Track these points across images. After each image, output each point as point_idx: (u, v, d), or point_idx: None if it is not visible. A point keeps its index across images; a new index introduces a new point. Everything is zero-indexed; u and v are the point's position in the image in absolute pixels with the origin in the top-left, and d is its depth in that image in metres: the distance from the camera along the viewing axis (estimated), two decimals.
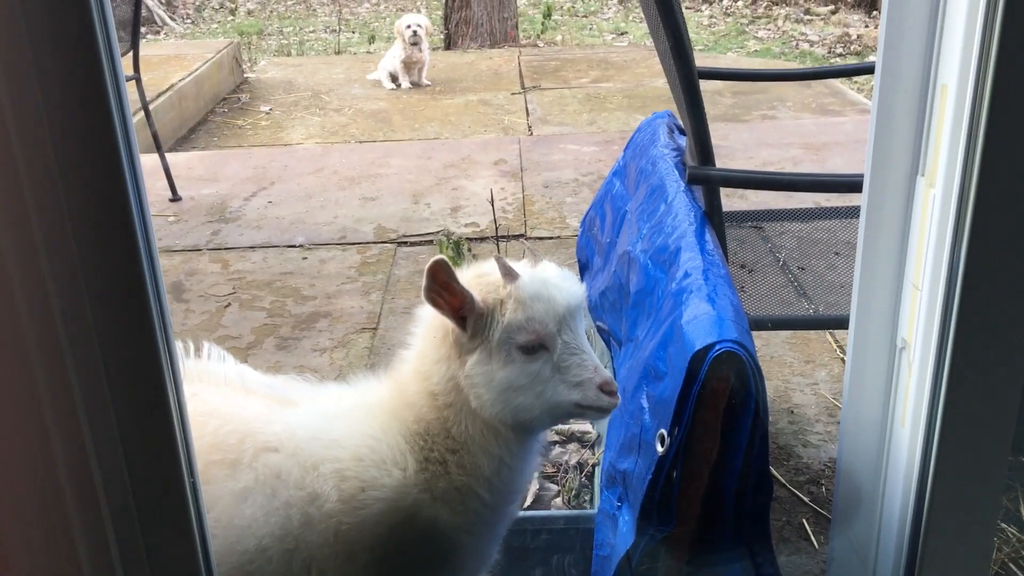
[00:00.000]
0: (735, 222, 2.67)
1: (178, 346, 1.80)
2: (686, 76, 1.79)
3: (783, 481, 2.76)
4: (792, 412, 3.10)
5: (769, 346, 3.48)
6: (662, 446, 1.61)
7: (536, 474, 2.47)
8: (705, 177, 1.93)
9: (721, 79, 2.83)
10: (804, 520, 2.61)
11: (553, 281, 1.59)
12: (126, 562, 1.39)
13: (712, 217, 1.96)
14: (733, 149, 5.71)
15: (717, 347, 1.53)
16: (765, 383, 1.58)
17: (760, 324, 2.23)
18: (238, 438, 1.64)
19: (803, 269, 2.40)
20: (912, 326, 1.53)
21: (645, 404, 1.74)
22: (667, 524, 1.65)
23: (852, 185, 1.66)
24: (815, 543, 2.54)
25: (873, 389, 1.65)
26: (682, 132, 2.64)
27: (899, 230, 1.53)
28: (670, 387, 1.62)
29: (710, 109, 6.99)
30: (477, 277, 1.58)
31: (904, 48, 1.43)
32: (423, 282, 1.49)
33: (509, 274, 1.55)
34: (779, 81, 6.50)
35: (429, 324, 1.63)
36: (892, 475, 1.65)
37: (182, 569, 1.40)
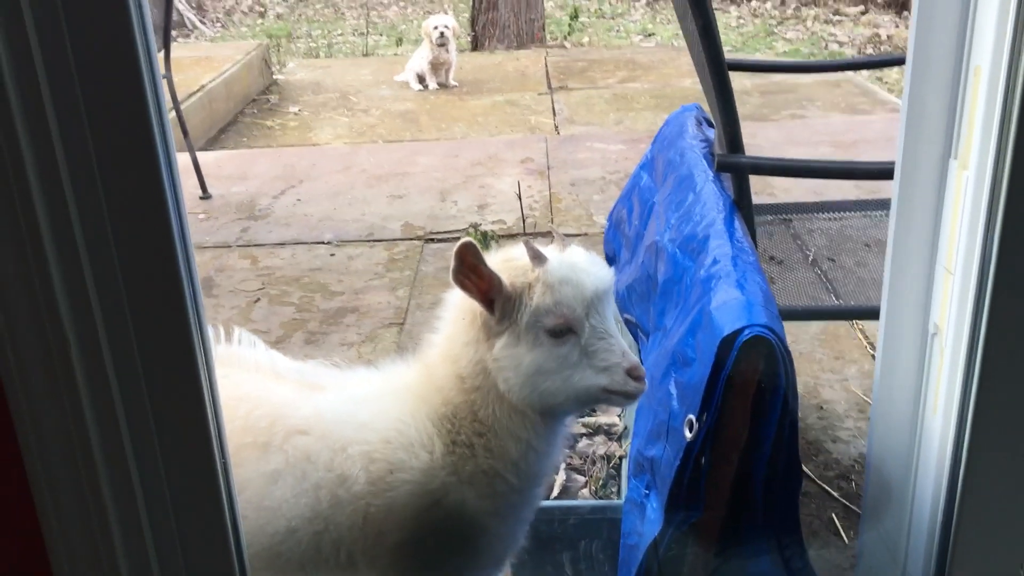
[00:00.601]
0: (764, 215, 2.65)
1: (210, 331, 1.82)
2: (715, 61, 1.79)
3: (812, 476, 2.74)
4: (822, 408, 3.08)
5: (799, 342, 3.45)
6: (690, 432, 1.61)
7: (563, 465, 2.47)
8: (734, 165, 1.93)
9: (749, 71, 2.82)
10: (833, 515, 2.59)
11: (581, 265, 1.59)
12: (159, 543, 1.41)
13: (741, 206, 1.95)
14: (761, 148, 5.67)
15: (746, 332, 1.52)
16: (795, 368, 1.57)
17: (790, 315, 2.21)
18: (269, 421, 1.66)
19: (833, 261, 2.39)
20: (944, 311, 1.52)
21: (673, 391, 1.74)
22: (695, 511, 1.64)
23: (884, 171, 1.65)
24: (845, 538, 2.52)
25: (905, 376, 1.63)
26: (710, 124, 2.63)
27: (931, 214, 1.52)
28: (698, 373, 1.62)
29: (738, 109, 6.96)
30: (505, 261, 1.59)
31: (937, 29, 1.42)
32: (451, 264, 1.50)
33: (537, 257, 1.56)
34: (806, 73, 6.48)
35: (457, 308, 1.63)
36: (924, 464, 1.63)
37: (213, 549, 1.42)
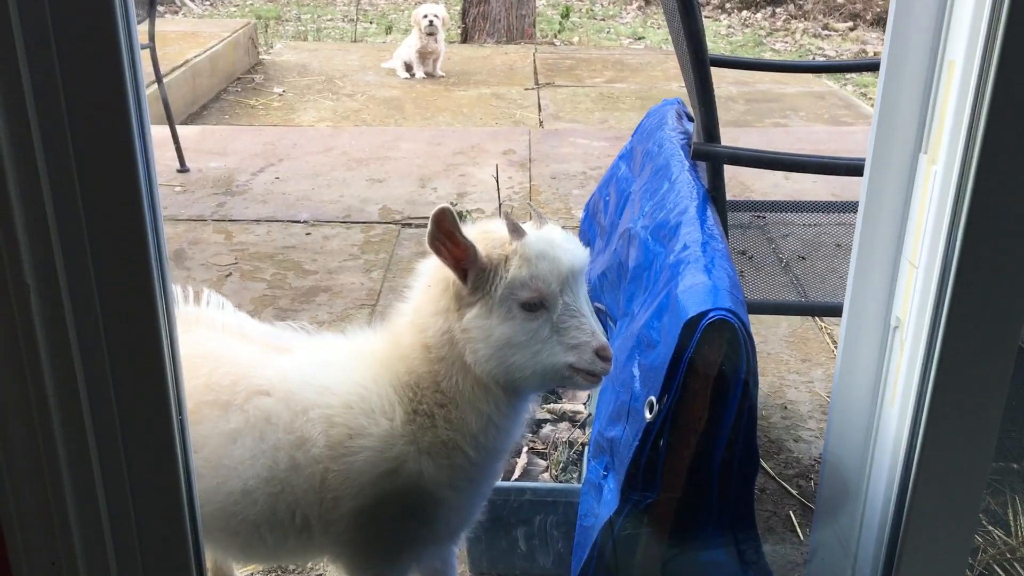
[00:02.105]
0: (739, 211, 2.67)
1: (177, 291, 1.81)
2: (695, 45, 1.80)
3: (772, 474, 2.76)
4: (786, 408, 3.10)
5: (767, 343, 3.48)
6: (651, 413, 1.62)
7: (525, 449, 2.48)
8: (709, 153, 1.94)
9: (730, 67, 2.84)
10: (791, 512, 2.61)
11: (559, 242, 1.59)
12: (109, 490, 1.40)
13: (715, 196, 1.96)
14: None
15: (710, 315, 1.53)
16: (756, 354, 1.59)
17: (757, 308, 2.23)
18: (231, 380, 1.65)
19: (804, 259, 2.41)
20: (907, 304, 1.53)
21: (636, 373, 1.75)
22: (652, 491, 1.65)
23: (856, 168, 1.67)
24: (800, 535, 2.54)
25: (865, 368, 1.65)
26: (691, 119, 2.65)
27: (899, 207, 1.54)
28: (662, 355, 1.63)
29: (722, 115, 6.98)
30: (483, 232, 1.58)
31: (913, 23, 1.44)
32: (428, 228, 1.50)
33: (516, 231, 1.56)
34: (783, 72, 6.56)
35: (430, 277, 1.63)
36: (879, 455, 1.65)
37: (165, 500, 1.41)
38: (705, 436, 1.60)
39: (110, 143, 1.20)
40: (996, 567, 2.41)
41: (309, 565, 2.36)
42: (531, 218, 1.72)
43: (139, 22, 4.99)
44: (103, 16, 1.14)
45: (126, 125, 1.19)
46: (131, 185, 1.22)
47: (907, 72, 1.46)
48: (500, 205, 3.97)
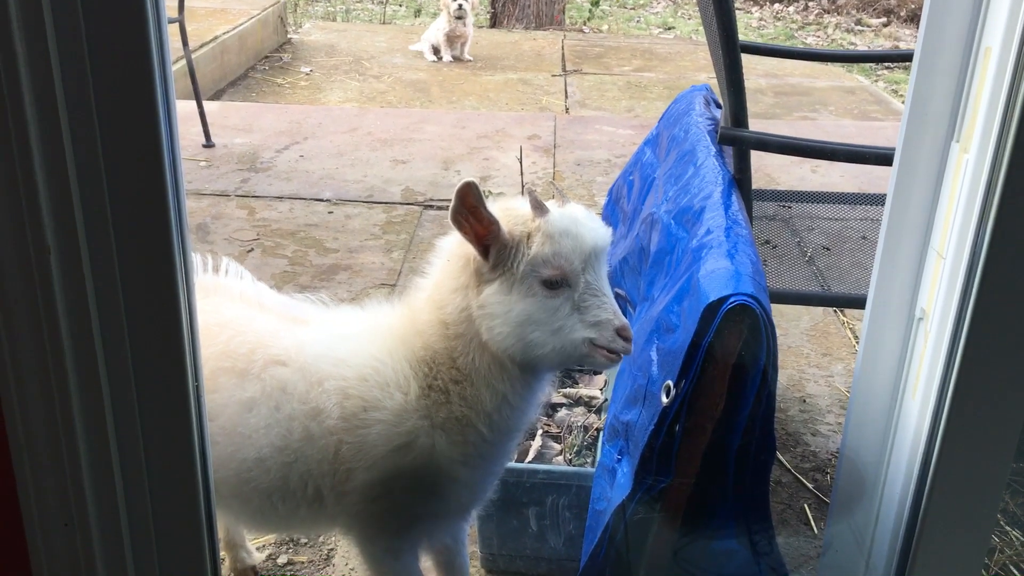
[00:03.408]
0: (765, 200, 2.64)
1: (197, 259, 1.82)
2: (726, 31, 1.77)
3: (788, 467, 2.74)
4: (804, 401, 3.07)
5: (788, 335, 3.45)
6: (667, 397, 1.60)
7: (540, 431, 2.47)
8: (737, 138, 1.91)
9: (760, 54, 2.80)
10: (806, 505, 2.59)
11: (582, 220, 1.57)
12: (123, 452, 1.40)
13: (740, 181, 1.93)
14: None
15: (731, 300, 1.51)
16: (777, 341, 1.57)
17: (778, 298, 2.20)
18: (248, 349, 1.65)
19: (828, 250, 2.38)
20: (932, 296, 1.51)
21: (654, 356, 1.73)
22: (665, 475, 1.64)
23: (885, 157, 1.64)
24: (815, 529, 2.52)
25: (887, 359, 1.62)
26: (718, 105, 2.62)
27: (929, 196, 1.51)
28: (681, 339, 1.61)
29: (751, 107, 6.93)
30: (505, 209, 1.57)
31: (951, 9, 1.41)
32: (451, 203, 1.49)
33: (539, 208, 1.54)
34: (813, 60, 6.50)
35: (450, 253, 1.63)
36: (898, 448, 1.63)
37: (179, 463, 1.41)
38: (722, 422, 1.59)
39: (134, 107, 1.20)
40: (1013, 568, 2.38)
41: (320, 539, 2.37)
42: (554, 198, 1.71)
43: None
44: None
45: (151, 90, 1.19)
46: (153, 149, 1.22)
47: (942, 58, 1.43)
48: (523, 185, 3.95)
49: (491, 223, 1.51)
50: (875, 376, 1.65)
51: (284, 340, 1.67)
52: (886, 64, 9.37)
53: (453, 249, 1.63)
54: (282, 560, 2.30)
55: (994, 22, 1.34)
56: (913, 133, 1.50)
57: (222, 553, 2.15)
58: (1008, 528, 2.50)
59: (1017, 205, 1.32)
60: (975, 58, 1.40)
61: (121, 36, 1.16)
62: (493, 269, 1.55)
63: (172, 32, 5.14)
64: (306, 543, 2.36)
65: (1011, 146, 1.29)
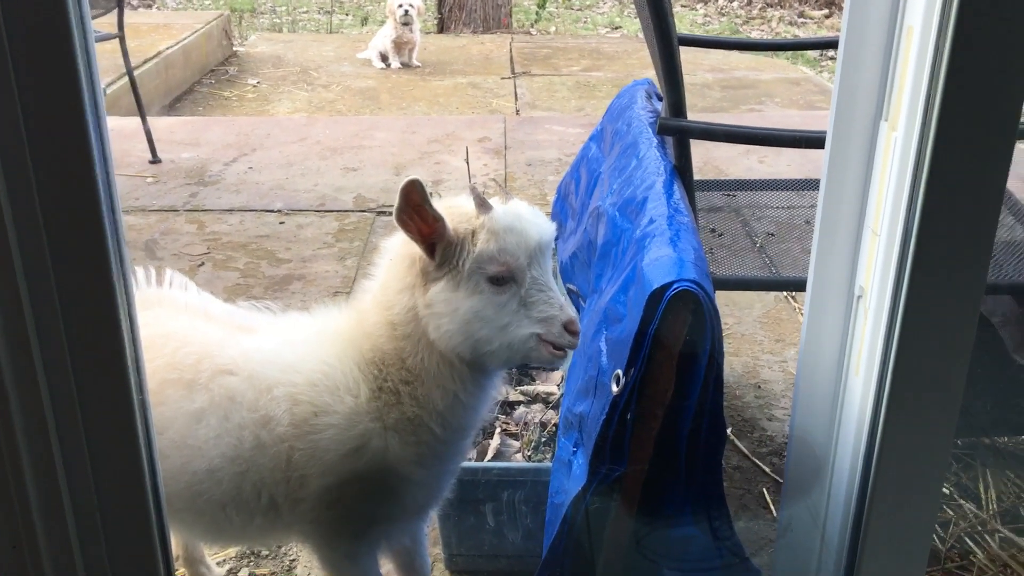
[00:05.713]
0: (709, 190, 2.67)
1: (139, 272, 1.79)
2: (660, 21, 1.79)
3: (746, 452, 2.77)
4: (759, 387, 3.11)
5: (741, 324, 3.49)
6: (617, 386, 1.61)
7: (498, 430, 2.47)
8: (676, 128, 1.93)
9: (697, 45, 2.84)
10: (764, 489, 2.62)
11: (526, 216, 1.58)
12: (70, 471, 1.38)
13: (682, 171, 1.95)
14: None
15: (675, 286, 1.53)
16: (722, 325, 1.59)
17: (729, 285, 2.23)
18: (195, 359, 1.63)
19: (772, 235, 2.41)
20: (870, 273, 1.54)
21: (603, 347, 1.75)
22: (620, 464, 1.65)
23: (819, 140, 1.67)
24: (773, 512, 2.55)
25: (830, 338, 1.65)
26: (660, 98, 2.65)
27: (862, 175, 1.54)
28: (628, 328, 1.62)
29: (698, 101, 6.98)
30: (450, 207, 1.57)
31: None
32: (395, 203, 1.48)
33: (483, 205, 1.55)
34: (748, 51, 6.60)
35: (395, 253, 1.62)
36: (845, 425, 1.66)
37: (128, 480, 1.39)
38: (672, 408, 1.60)
39: (63, 122, 1.18)
40: (968, 540, 2.43)
41: (283, 549, 2.34)
42: (498, 195, 1.71)
43: (107, 12, 4.93)
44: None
45: (79, 106, 1.17)
46: (85, 160, 1.20)
47: (867, 39, 1.46)
48: (470, 182, 3.97)
49: (436, 221, 1.51)
50: (819, 355, 1.68)
51: (231, 349, 1.66)
52: (831, 55, 9.53)
53: (398, 249, 1.63)
54: (243, 574, 2.27)
55: (914, 1, 1.37)
56: (843, 113, 1.53)
57: (181, 569, 2.13)
58: (963, 501, 2.56)
59: (944, 179, 1.35)
60: (898, 37, 1.43)
61: (47, 52, 1.14)
62: (439, 267, 1.55)
63: (112, 49, 5.08)
64: (268, 555, 2.34)
65: (936, 122, 1.33)
